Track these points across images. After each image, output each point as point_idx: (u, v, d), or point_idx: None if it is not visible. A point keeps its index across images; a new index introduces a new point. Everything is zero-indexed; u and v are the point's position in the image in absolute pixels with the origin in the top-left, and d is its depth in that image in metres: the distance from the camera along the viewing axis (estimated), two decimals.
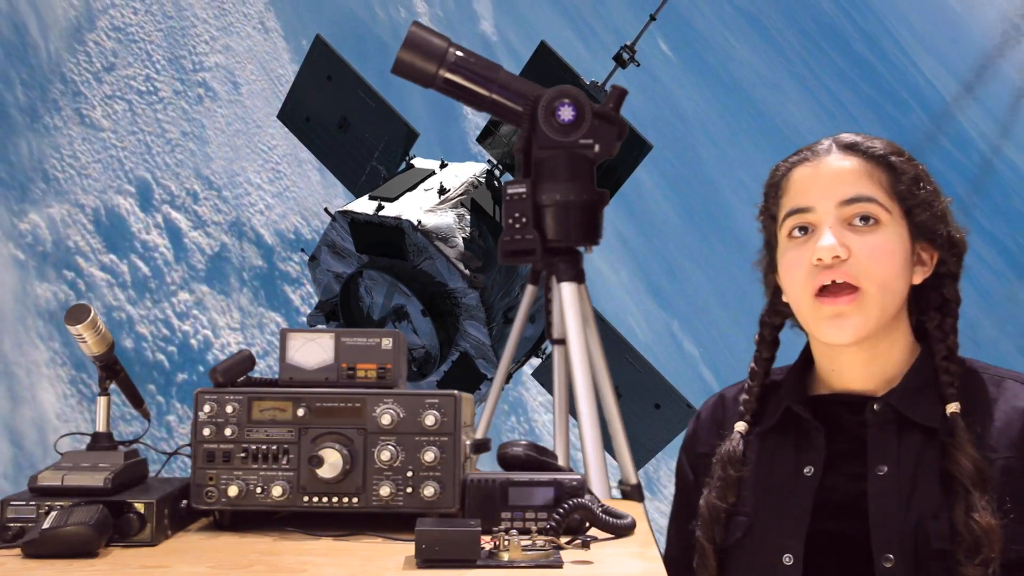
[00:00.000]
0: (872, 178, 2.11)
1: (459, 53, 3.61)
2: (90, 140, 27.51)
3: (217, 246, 28.40)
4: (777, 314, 2.31)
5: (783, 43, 51.92)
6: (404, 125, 7.89)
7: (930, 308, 2.18)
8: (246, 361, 2.21)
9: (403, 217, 7.23)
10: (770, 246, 2.26)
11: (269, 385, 2.20)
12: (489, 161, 8.05)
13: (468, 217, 7.55)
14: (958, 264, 2.17)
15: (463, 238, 7.38)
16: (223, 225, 28.89)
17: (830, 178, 2.12)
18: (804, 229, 2.13)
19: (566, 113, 3.52)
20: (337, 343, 2.20)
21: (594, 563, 1.89)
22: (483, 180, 7.92)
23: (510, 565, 1.83)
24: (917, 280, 2.15)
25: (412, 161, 8.05)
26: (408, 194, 7.63)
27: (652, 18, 7.77)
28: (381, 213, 7.34)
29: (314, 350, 2.20)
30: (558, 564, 1.85)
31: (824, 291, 2.08)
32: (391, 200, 7.50)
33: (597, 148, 3.57)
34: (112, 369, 2.25)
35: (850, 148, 2.15)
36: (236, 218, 29.30)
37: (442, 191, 7.54)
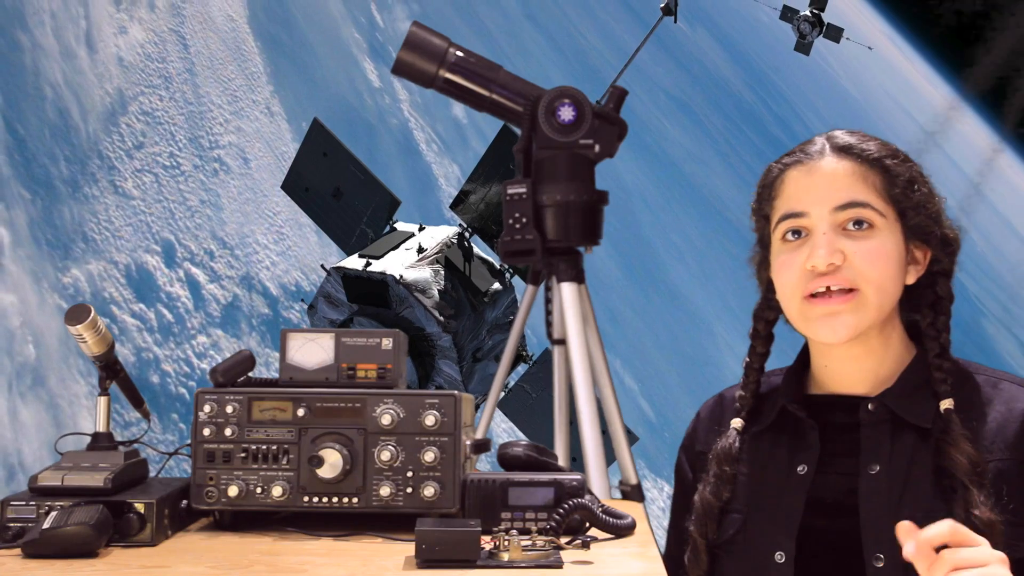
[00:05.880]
0: (867, 182, 1.80)
1: (459, 53, 3.23)
2: (123, 207, 28.67)
3: (230, 297, 29.41)
4: (770, 309, 1.99)
5: (709, 125, 53.14)
6: (388, 194, 8.27)
7: (923, 306, 1.86)
8: (246, 361, 1.91)
9: (387, 272, 7.63)
10: (763, 243, 1.95)
11: (269, 385, 1.91)
12: (460, 225, 8.49)
13: (443, 272, 7.87)
14: (951, 262, 1.87)
15: (438, 290, 7.67)
16: (235, 279, 29.88)
17: (824, 182, 1.81)
18: (797, 233, 1.83)
19: (566, 113, 3.19)
20: (337, 343, 1.91)
21: (594, 563, 1.64)
22: (455, 241, 8.26)
23: (510, 565, 1.58)
24: (911, 280, 1.84)
25: (395, 225, 8.50)
26: (392, 253, 7.97)
27: (598, 103, 7.74)
28: (369, 269, 7.71)
29: (314, 350, 1.90)
30: (558, 564, 1.60)
31: (817, 295, 1.79)
32: (377, 258, 7.85)
33: (597, 148, 3.22)
34: (112, 369, 1.96)
35: (844, 151, 1.83)
36: (246, 273, 30.20)
37: (420, 250, 7.94)
